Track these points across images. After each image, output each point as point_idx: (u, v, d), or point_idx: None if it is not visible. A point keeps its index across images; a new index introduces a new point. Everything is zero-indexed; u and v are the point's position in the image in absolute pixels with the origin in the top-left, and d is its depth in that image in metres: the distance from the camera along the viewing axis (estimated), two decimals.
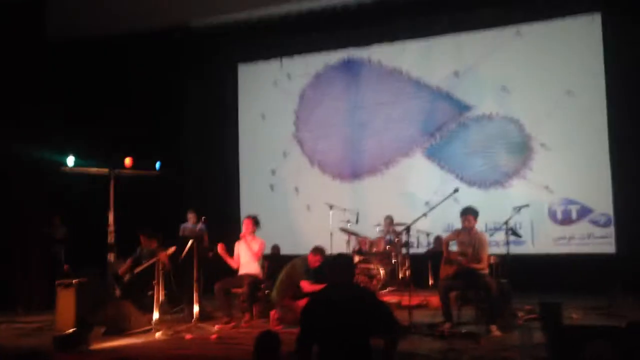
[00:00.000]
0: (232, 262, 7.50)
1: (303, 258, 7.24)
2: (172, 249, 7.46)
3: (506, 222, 7.23)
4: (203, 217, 7.94)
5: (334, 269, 4.01)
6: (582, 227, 9.49)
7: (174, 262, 7.68)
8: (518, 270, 7.31)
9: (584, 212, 9.51)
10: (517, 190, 9.87)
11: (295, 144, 11.54)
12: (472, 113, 10.35)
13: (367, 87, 11.11)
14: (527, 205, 7.92)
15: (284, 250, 10.21)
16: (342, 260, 4.09)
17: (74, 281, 7.28)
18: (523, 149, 9.96)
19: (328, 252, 9.42)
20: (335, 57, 11.31)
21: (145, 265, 7.77)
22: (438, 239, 9.68)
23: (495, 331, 6.05)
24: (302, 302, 6.62)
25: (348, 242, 9.67)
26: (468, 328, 6.28)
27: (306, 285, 6.92)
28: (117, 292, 8.13)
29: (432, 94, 10.64)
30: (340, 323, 3.74)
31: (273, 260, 8.91)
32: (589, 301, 7.58)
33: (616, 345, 4.39)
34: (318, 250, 7.20)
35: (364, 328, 3.80)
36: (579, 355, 4.45)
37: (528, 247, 9.60)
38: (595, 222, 9.41)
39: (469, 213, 6.64)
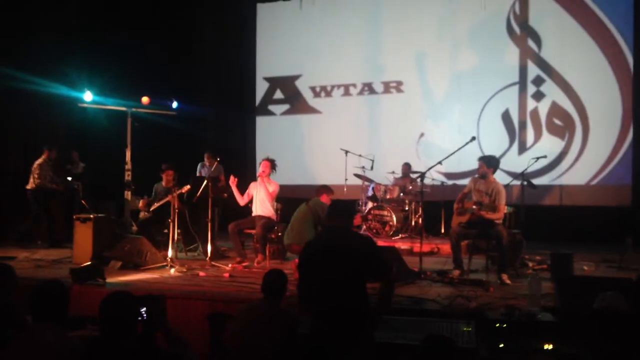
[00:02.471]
0: (239, 197, 7.53)
1: (317, 202, 6.87)
2: (186, 188, 7.52)
3: (522, 173, 7.16)
4: (218, 159, 7.98)
5: (332, 213, 3.86)
6: (599, 179, 9.41)
7: (189, 201, 7.76)
8: (532, 220, 7.29)
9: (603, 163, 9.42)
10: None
11: (313, 88, 11.43)
12: None
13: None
14: (544, 157, 7.83)
15: (299, 194, 10.25)
16: (341, 206, 3.95)
17: (91, 216, 7.39)
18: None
19: (343, 198, 9.51)
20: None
21: (161, 202, 7.87)
22: (454, 187, 9.66)
23: (505, 280, 6.07)
24: None
25: (362, 188, 9.68)
26: (478, 276, 6.31)
27: None
28: (134, 228, 8.29)
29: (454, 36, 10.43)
30: (333, 268, 3.68)
31: (287, 203, 8.95)
32: (601, 254, 7.56)
33: (626, 297, 4.39)
34: (330, 190, 6.98)
35: (357, 273, 3.73)
36: (587, 305, 4.46)
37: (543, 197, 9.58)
38: (613, 174, 9.31)
39: (481, 159, 6.60)
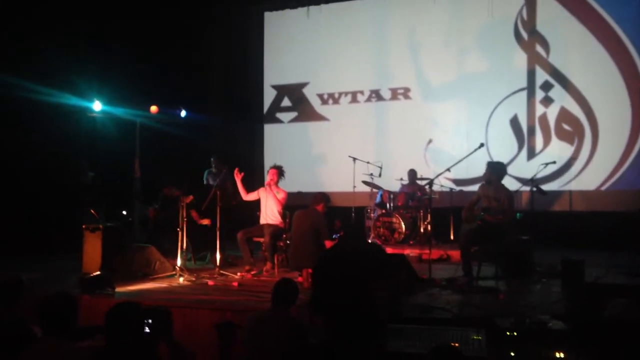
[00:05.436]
0: (243, 192, 7.56)
1: (315, 212, 6.74)
2: (190, 198, 7.55)
3: (532, 179, 7.13)
4: (224, 169, 7.95)
5: (350, 232, 4.10)
6: (610, 184, 9.35)
7: (197, 209, 7.78)
8: (542, 226, 7.23)
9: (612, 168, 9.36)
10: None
11: (321, 95, 11.44)
12: None
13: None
14: (554, 162, 7.80)
15: (307, 202, 10.22)
16: (357, 226, 4.18)
17: (100, 226, 7.40)
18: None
19: (351, 205, 9.49)
20: (362, 7, 11.07)
21: (170, 212, 7.88)
22: (462, 193, 9.62)
23: (514, 287, 6.03)
24: None
25: (370, 195, 9.67)
26: (487, 283, 6.27)
27: (330, 244, 6.48)
28: (143, 238, 8.30)
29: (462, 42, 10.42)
30: (348, 274, 3.75)
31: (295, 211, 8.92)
32: (613, 259, 7.48)
33: (639, 304, 4.35)
34: (328, 199, 6.88)
35: (369, 278, 3.79)
36: (599, 313, 4.42)
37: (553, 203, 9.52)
38: (623, 179, 9.24)
39: (488, 165, 6.62)
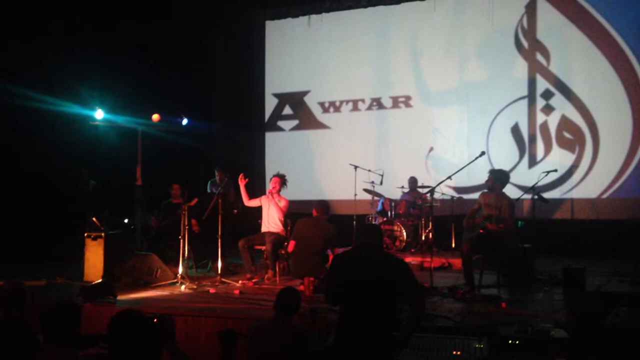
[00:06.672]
0: (245, 197, 7.59)
1: (319, 219, 6.72)
2: (194, 201, 7.56)
3: (533, 187, 7.14)
4: (226, 178, 7.96)
5: (365, 233, 4.11)
6: (611, 192, 9.35)
7: (199, 218, 7.78)
8: (543, 234, 7.22)
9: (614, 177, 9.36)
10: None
11: (322, 104, 11.47)
12: None
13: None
14: (555, 170, 7.80)
15: (308, 210, 10.22)
16: (372, 226, 4.11)
17: (102, 234, 7.41)
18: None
19: (352, 213, 9.49)
20: (363, 16, 11.11)
21: (172, 219, 7.89)
22: (464, 201, 9.63)
23: (516, 295, 6.03)
24: None
25: (371, 203, 9.67)
26: (489, 292, 6.26)
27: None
28: (144, 245, 8.31)
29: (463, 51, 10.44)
30: (365, 283, 3.72)
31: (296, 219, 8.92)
32: (614, 267, 7.47)
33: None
34: (328, 205, 6.91)
35: (389, 292, 3.76)
36: (601, 321, 4.42)
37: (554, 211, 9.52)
38: (624, 188, 9.24)
39: (490, 172, 6.63)
